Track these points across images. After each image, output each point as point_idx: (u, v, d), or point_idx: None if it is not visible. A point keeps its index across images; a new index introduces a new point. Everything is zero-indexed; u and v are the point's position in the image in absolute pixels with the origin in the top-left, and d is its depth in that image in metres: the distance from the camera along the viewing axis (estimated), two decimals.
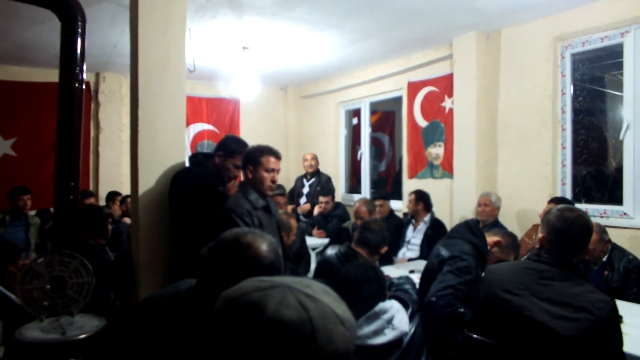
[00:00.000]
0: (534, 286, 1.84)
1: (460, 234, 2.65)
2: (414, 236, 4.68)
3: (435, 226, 4.63)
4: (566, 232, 1.86)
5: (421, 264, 3.32)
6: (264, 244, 1.37)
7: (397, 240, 4.69)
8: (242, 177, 2.85)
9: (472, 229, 2.64)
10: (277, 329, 0.69)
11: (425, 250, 4.39)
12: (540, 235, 1.96)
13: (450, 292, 2.38)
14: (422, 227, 4.66)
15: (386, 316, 2.05)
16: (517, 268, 1.97)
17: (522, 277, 1.90)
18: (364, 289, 2.11)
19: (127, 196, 5.56)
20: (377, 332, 2.02)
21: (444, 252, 2.58)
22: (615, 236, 3.37)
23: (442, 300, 2.37)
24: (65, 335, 2.44)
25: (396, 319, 2.06)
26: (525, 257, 2.09)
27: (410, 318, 2.17)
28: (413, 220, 4.77)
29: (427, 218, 4.68)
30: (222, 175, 2.91)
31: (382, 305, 2.09)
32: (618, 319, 1.77)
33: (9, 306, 2.93)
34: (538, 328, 1.76)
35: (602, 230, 3.18)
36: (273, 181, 2.60)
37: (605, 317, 1.70)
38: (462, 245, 2.56)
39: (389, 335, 2.02)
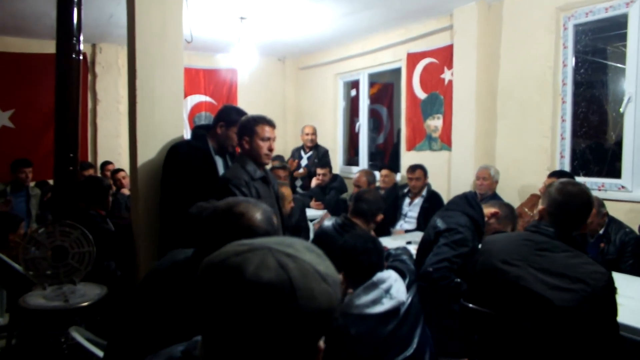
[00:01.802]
0: (532, 257, 1.86)
1: (457, 206, 2.67)
2: (411, 209, 4.68)
3: (432, 198, 4.64)
4: (566, 206, 1.88)
5: (418, 235, 3.35)
6: (258, 213, 1.37)
7: (395, 212, 4.72)
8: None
9: (469, 201, 2.66)
10: (257, 291, 0.70)
11: (423, 222, 4.41)
12: (540, 207, 1.98)
13: (444, 265, 2.42)
14: (419, 200, 4.67)
15: (384, 286, 2.08)
16: (515, 239, 1.99)
17: (520, 248, 1.91)
18: (362, 261, 2.13)
19: (116, 170, 5.52)
20: (375, 302, 2.05)
21: (440, 224, 2.61)
22: (612, 209, 3.39)
23: (437, 273, 2.41)
24: (68, 303, 2.49)
25: (394, 289, 2.10)
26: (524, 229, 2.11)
27: (408, 288, 2.21)
28: (410, 194, 4.74)
29: (424, 191, 4.69)
30: (226, 145, 2.93)
31: (380, 275, 2.12)
32: (614, 290, 1.78)
33: (12, 275, 2.98)
34: (534, 298, 1.79)
35: (600, 203, 3.20)
36: (270, 150, 2.62)
37: (601, 288, 1.72)
38: (459, 217, 2.58)
39: (386, 305, 2.05)
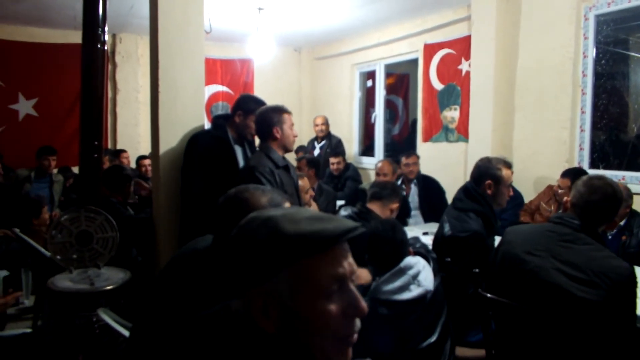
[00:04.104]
0: (555, 248, 1.87)
1: (464, 204, 2.57)
2: (411, 201, 4.59)
3: (426, 183, 4.59)
4: (590, 199, 1.88)
5: (434, 226, 3.35)
6: (264, 199, 1.42)
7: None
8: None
9: (471, 195, 2.56)
10: None
11: (426, 209, 4.44)
12: (565, 198, 1.98)
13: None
14: (414, 189, 4.60)
15: (411, 272, 2.04)
16: (539, 230, 1.99)
17: (543, 239, 1.92)
18: (381, 248, 2.13)
19: (142, 157, 5.62)
20: (403, 288, 2.01)
21: (447, 229, 2.53)
22: (634, 203, 3.35)
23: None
24: (93, 286, 2.57)
25: (422, 276, 2.05)
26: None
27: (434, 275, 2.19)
28: (403, 185, 4.63)
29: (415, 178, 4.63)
30: (245, 134, 2.98)
31: (407, 261, 2.08)
32: (635, 286, 1.78)
33: (38, 258, 3.07)
34: (554, 289, 1.80)
35: (628, 194, 3.16)
36: (295, 136, 2.74)
37: (623, 283, 1.72)
38: (468, 221, 2.49)
39: (414, 292, 2.02)
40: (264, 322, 0.82)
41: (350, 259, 0.86)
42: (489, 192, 2.56)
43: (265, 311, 0.81)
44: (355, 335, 0.85)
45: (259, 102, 2.92)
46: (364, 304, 0.84)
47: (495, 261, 2.09)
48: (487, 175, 2.57)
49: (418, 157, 4.67)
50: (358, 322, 0.85)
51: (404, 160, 4.61)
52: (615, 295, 1.72)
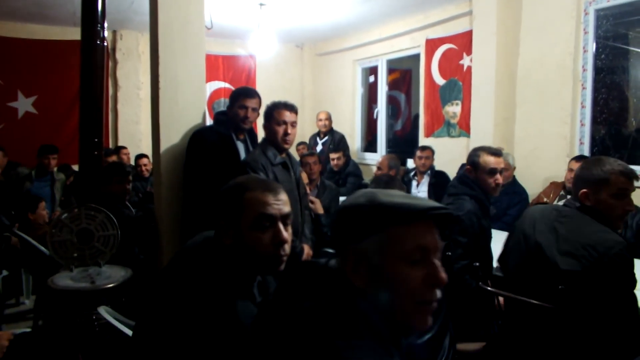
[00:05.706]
0: (554, 223, 1.91)
1: (457, 190, 2.62)
2: (420, 190, 4.81)
3: (438, 175, 4.84)
4: (574, 177, 1.97)
5: None
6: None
7: None
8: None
9: (464, 181, 2.60)
10: None
11: (435, 199, 4.49)
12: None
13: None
14: (426, 179, 4.83)
15: None
16: (548, 210, 2.05)
17: (547, 215, 1.98)
18: None
19: (140, 156, 5.60)
20: None
21: None
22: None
23: None
24: (94, 284, 2.57)
25: None
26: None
27: None
28: (416, 176, 4.91)
29: (429, 171, 4.88)
30: (236, 122, 2.97)
31: None
32: (627, 260, 1.74)
33: (38, 257, 3.07)
34: (546, 263, 1.84)
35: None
36: (286, 133, 2.62)
37: (612, 256, 1.70)
38: (461, 202, 2.51)
39: None
40: (354, 276, 0.94)
41: (437, 237, 0.96)
42: (470, 176, 2.60)
43: (355, 267, 0.94)
44: (435, 303, 0.94)
45: (242, 88, 3.00)
46: (443, 275, 0.93)
47: (507, 244, 2.16)
48: (467, 161, 2.64)
49: (432, 152, 4.90)
50: (438, 292, 0.94)
51: (418, 153, 4.90)
52: (601, 268, 1.70)
